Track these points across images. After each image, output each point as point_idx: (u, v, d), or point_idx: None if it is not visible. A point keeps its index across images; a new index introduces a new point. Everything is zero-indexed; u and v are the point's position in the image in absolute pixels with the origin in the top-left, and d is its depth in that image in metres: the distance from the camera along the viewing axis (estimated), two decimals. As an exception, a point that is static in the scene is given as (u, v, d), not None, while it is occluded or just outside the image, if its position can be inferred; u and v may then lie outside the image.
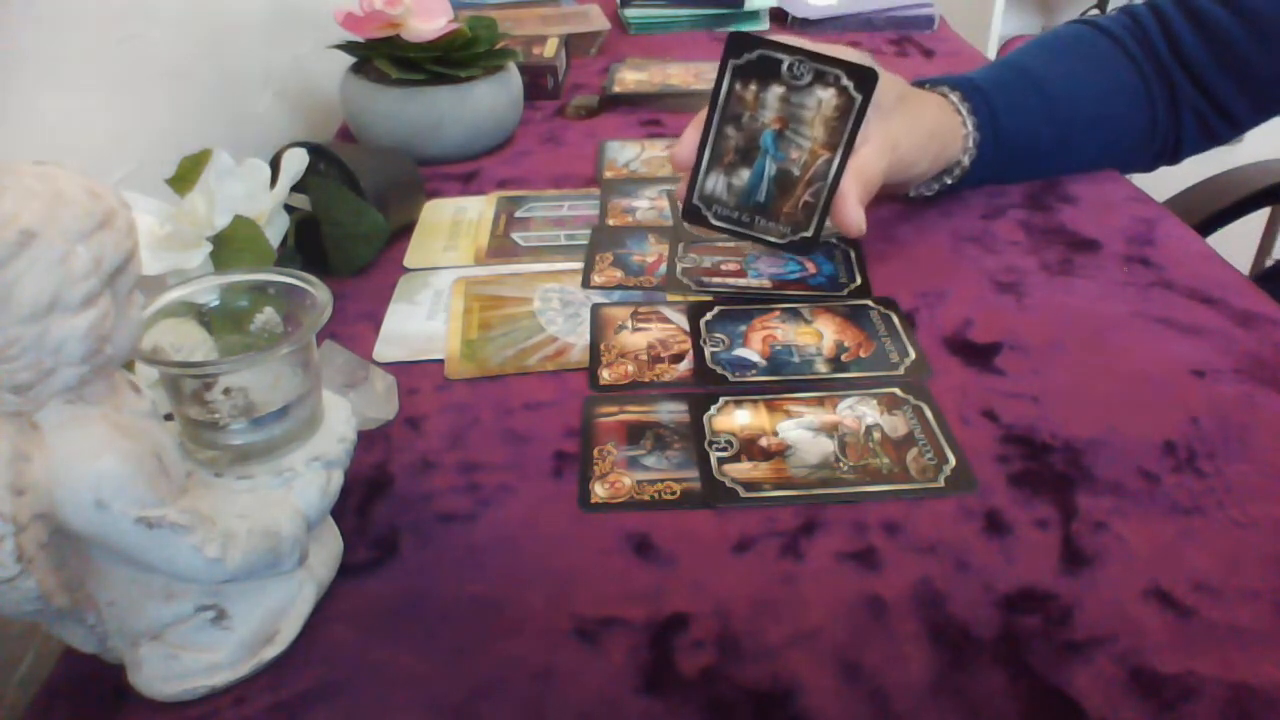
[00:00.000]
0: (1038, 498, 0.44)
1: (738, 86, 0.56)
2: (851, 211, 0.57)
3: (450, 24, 0.78)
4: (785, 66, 0.55)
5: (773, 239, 0.59)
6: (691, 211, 0.59)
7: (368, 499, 0.45)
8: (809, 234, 0.58)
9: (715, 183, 0.58)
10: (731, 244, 0.65)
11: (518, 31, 1.05)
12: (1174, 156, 0.76)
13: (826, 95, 0.55)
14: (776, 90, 0.55)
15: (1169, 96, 0.73)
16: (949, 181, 0.69)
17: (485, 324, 0.58)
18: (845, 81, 0.54)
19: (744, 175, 0.57)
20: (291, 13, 0.93)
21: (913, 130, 0.63)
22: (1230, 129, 0.74)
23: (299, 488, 0.37)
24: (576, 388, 0.53)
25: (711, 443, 0.48)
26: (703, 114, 0.58)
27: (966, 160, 0.68)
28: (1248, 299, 0.58)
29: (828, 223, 0.58)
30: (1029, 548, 0.41)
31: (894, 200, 0.70)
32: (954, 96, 0.67)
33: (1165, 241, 0.65)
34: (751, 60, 0.55)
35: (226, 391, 0.36)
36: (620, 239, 0.67)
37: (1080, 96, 0.71)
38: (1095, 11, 2.14)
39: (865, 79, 0.54)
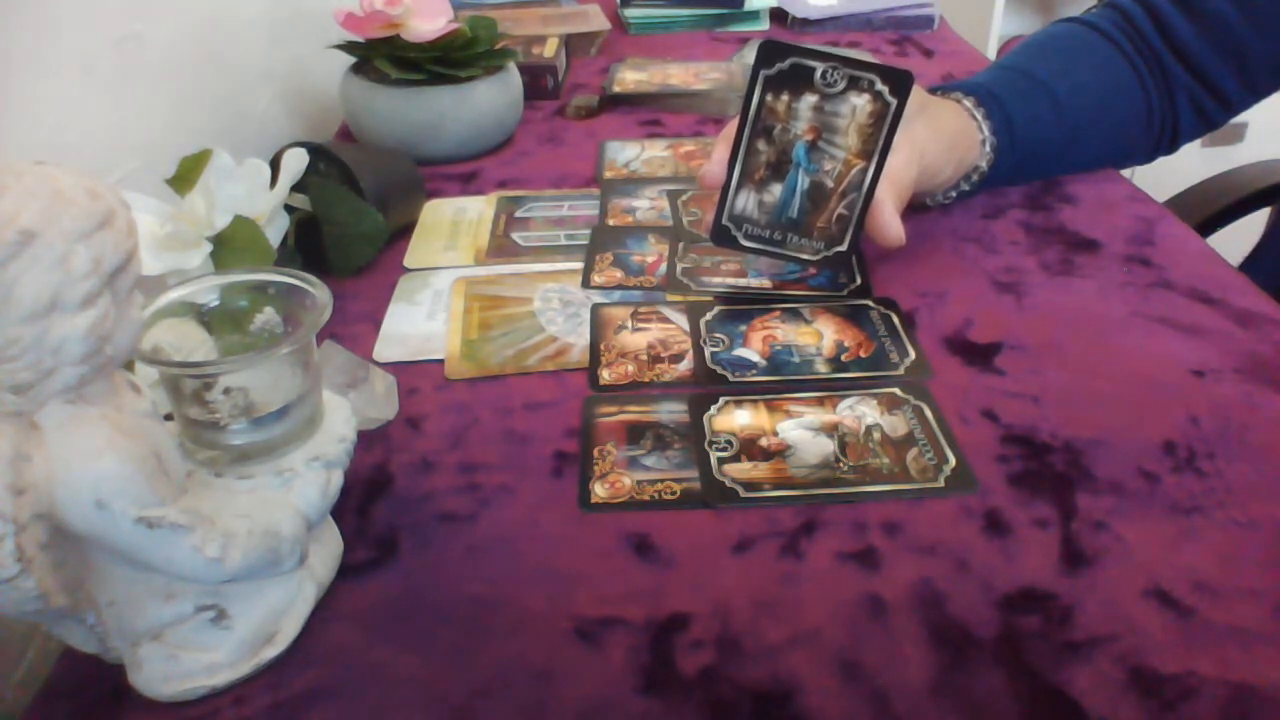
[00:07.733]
0: (1038, 498, 0.44)
1: (769, 98, 0.54)
2: (889, 221, 0.57)
3: (450, 24, 0.78)
4: (818, 74, 0.53)
5: (806, 256, 0.58)
6: (721, 233, 0.58)
7: (368, 499, 0.45)
8: (843, 248, 0.57)
9: (745, 201, 0.57)
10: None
11: (518, 31, 1.05)
12: (1171, 145, 0.77)
13: (861, 101, 0.54)
14: (809, 99, 0.54)
15: (1163, 85, 0.73)
16: (965, 188, 0.69)
17: (485, 324, 0.58)
18: (880, 86, 0.53)
19: (775, 191, 0.56)
20: (291, 13, 0.93)
21: (936, 137, 0.62)
22: (1224, 111, 0.74)
23: (299, 488, 0.37)
24: (576, 388, 0.52)
25: (711, 443, 0.48)
26: (730, 130, 0.56)
27: (985, 166, 0.68)
28: (1248, 299, 0.58)
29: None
30: (1029, 548, 0.41)
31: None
32: (968, 103, 0.67)
33: (1165, 241, 0.65)
34: (784, 69, 0.54)
35: (226, 391, 0.36)
36: (620, 239, 0.67)
37: (1084, 97, 0.71)
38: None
39: (900, 83, 0.53)
